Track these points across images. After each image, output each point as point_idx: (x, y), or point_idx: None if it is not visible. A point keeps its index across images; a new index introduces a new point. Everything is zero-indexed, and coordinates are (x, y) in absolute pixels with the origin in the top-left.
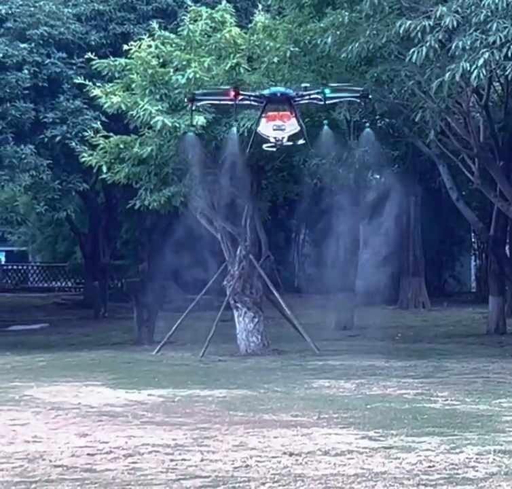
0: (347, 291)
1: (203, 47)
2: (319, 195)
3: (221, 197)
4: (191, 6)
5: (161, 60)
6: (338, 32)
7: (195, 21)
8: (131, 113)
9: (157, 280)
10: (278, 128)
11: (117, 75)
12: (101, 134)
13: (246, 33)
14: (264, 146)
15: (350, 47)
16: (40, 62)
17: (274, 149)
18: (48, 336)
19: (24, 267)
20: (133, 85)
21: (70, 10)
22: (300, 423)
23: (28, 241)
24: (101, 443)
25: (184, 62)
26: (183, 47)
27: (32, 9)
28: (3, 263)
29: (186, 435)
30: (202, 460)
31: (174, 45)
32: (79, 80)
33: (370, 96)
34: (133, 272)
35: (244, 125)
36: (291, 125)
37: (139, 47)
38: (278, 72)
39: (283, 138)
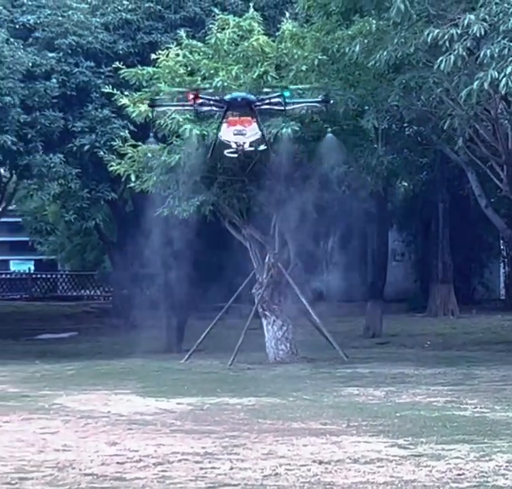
0: (375, 298)
1: (231, 56)
2: (347, 202)
3: (250, 205)
4: (218, 14)
5: (189, 69)
6: (366, 40)
7: (223, 29)
8: (159, 121)
9: (186, 288)
10: (238, 133)
11: (144, 83)
12: (129, 143)
13: (273, 41)
14: (226, 152)
15: (378, 55)
16: (68, 71)
17: (236, 155)
18: (77, 344)
19: (53, 276)
20: (161, 94)
21: (98, 19)
22: (329, 431)
23: (57, 250)
24: (131, 452)
25: (212, 71)
26: (210, 56)
27: (60, 18)
28: (32, 272)
29: (215, 443)
30: (231, 469)
31: (201, 53)
32: (107, 89)
33: (331, 101)
34: (162, 280)
35: (270, 132)
36: (252, 131)
37: (167, 56)
38: (305, 80)
39: (244, 143)
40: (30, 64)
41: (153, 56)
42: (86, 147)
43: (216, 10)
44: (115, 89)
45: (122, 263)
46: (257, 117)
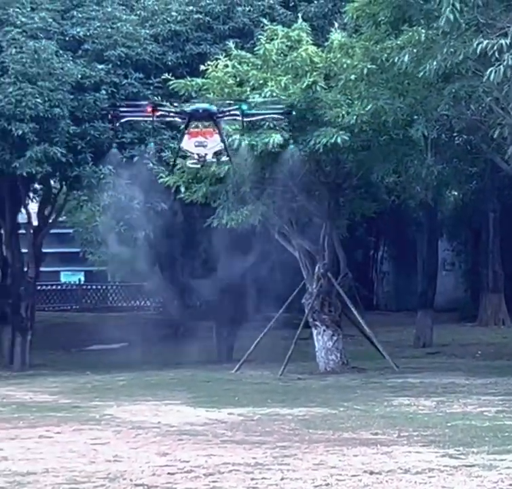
0: (426, 308)
1: (279, 66)
2: (397, 212)
3: (299, 215)
4: (267, 25)
5: (237, 79)
6: (415, 50)
7: (272, 40)
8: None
9: (236, 298)
10: (200, 145)
11: (194, 94)
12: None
13: (322, 51)
14: (188, 163)
15: (427, 64)
16: (117, 82)
17: (198, 166)
18: (128, 355)
19: (104, 287)
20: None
21: (147, 31)
22: (380, 441)
23: (107, 261)
24: (181, 462)
25: (260, 81)
26: (259, 66)
27: (109, 30)
28: (82, 283)
29: (266, 454)
30: (282, 479)
31: (250, 64)
32: (156, 100)
33: (293, 113)
34: (212, 291)
35: (319, 142)
36: (214, 142)
37: (216, 66)
38: (354, 89)
39: (206, 154)
40: (80, 76)
41: (202, 67)
42: (136, 158)
43: (264, 21)
44: (164, 101)
45: (172, 274)
46: (219, 128)
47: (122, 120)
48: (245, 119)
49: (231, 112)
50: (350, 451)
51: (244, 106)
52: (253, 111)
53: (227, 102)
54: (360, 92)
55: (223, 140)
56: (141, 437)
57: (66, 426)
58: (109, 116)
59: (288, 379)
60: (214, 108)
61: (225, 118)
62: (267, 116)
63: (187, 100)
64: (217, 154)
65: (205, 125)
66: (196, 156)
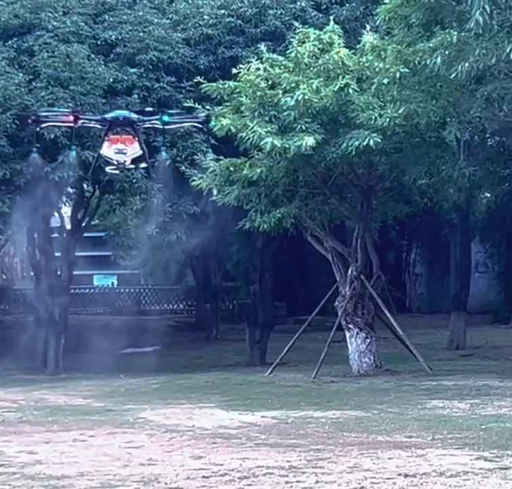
0: (459, 310)
1: (311, 69)
2: (430, 214)
3: (332, 218)
4: (299, 28)
5: (269, 82)
6: (447, 52)
7: (303, 43)
8: (240, 135)
9: (269, 302)
10: (119, 152)
11: (226, 97)
12: (211, 157)
13: (354, 54)
14: (107, 169)
15: (460, 66)
16: (149, 86)
17: (117, 172)
18: (161, 358)
19: (136, 290)
20: (242, 108)
21: (179, 34)
22: (414, 444)
23: (140, 264)
24: (216, 466)
25: (293, 84)
26: (291, 69)
27: (141, 34)
28: (115, 286)
29: (300, 457)
30: (316, 482)
31: (282, 67)
32: (188, 103)
33: (210, 123)
34: (244, 294)
35: (351, 144)
36: (133, 149)
37: (248, 69)
38: (387, 92)
39: (125, 161)
40: (112, 80)
41: (234, 70)
42: (168, 162)
43: (296, 23)
44: (196, 104)
45: (205, 277)
46: (139, 135)
47: (43, 125)
48: (165, 127)
49: (152, 121)
50: (384, 454)
51: (165, 118)
52: (172, 120)
53: (147, 109)
54: (392, 94)
55: (142, 148)
56: (175, 440)
57: (100, 430)
58: (29, 120)
59: (322, 382)
60: (134, 116)
61: (145, 126)
62: (184, 125)
63: (219, 103)
64: (136, 160)
65: (125, 132)
66: (116, 162)
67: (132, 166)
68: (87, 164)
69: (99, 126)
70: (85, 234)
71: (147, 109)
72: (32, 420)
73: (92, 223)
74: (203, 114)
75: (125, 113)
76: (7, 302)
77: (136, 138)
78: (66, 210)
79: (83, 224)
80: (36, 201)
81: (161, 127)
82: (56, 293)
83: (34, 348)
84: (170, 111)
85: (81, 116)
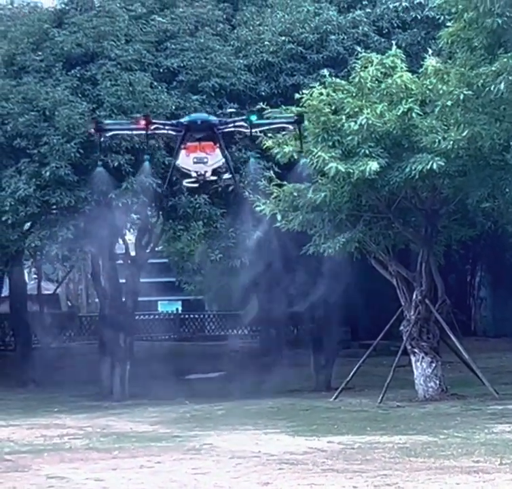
0: None
1: (374, 93)
2: (494, 237)
3: (396, 242)
4: (361, 53)
5: (333, 107)
6: (510, 77)
7: (366, 67)
8: (304, 160)
9: (333, 326)
10: (199, 161)
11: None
12: (274, 183)
13: (417, 78)
14: (184, 182)
15: None
16: (211, 113)
17: (196, 185)
18: (226, 384)
19: (201, 316)
20: (306, 133)
21: (241, 61)
22: (482, 469)
23: (204, 290)
24: None
25: (356, 109)
26: (354, 94)
27: (203, 61)
28: (180, 312)
29: (367, 482)
30: None
31: (345, 91)
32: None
33: (305, 122)
34: (309, 319)
35: (415, 168)
36: (215, 158)
37: (311, 95)
38: (450, 115)
39: (206, 172)
40: (174, 107)
41: (297, 96)
42: (231, 188)
43: (358, 48)
44: (258, 131)
45: (269, 302)
46: (221, 141)
47: (108, 134)
48: (253, 130)
49: (236, 123)
50: (451, 480)
51: (253, 117)
52: (261, 121)
53: (229, 110)
54: (456, 117)
55: (225, 156)
56: (242, 466)
57: (166, 456)
58: (92, 130)
59: (388, 407)
60: (214, 119)
61: (228, 130)
62: (275, 126)
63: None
64: (218, 172)
65: (204, 139)
66: (195, 174)
67: (214, 178)
68: (151, 190)
69: (173, 133)
70: (150, 260)
71: (229, 110)
72: (98, 446)
73: (156, 249)
74: (293, 113)
75: (203, 115)
76: (73, 329)
77: (218, 145)
78: (131, 237)
79: (148, 250)
80: (100, 228)
81: (247, 130)
82: (121, 319)
83: (100, 374)
84: (259, 110)
85: (153, 120)
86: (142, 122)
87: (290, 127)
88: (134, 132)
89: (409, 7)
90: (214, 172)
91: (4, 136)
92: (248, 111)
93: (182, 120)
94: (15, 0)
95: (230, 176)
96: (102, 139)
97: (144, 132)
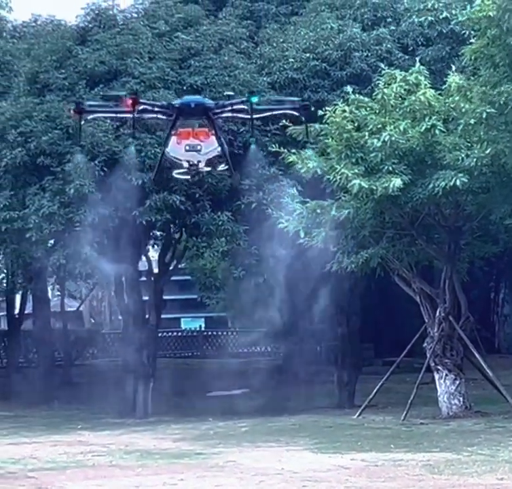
0: None
1: (398, 110)
2: None
3: (419, 258)
4: (385, 70)
5: (356, 124)
6: None
7: (389, 84)
8: (327, 177)
9: (356, 343)
10: (191, 149)
11: (312, 140)
12: (297, 200)
13: (440, 95)
14: (174, 173)
15: None
16: (235, 130)
17: (188, 177)
18: (249, 401)
19: (224, 332)
20: (329, 150)
21: (264, 78)
22: (506, 486)
23: (227, 306)
24: None
25: (379, 126)
26: (377, 111)
27: (227, 78)
28: (203, 329)
29: None
30: None
31: (368, 108)
32: (274, 148)
33: (312, 108)
34: (332, 336)
35: (438, 185)
36: (210, 146)
37: (334, 111)
38: (473, 133)
39: (199, 162)
40: (197, 125)
41: (320, 113)
42: (254, 205)
43: (382, 65)
44: (281, 147)
45: (292, 319)
46: (216, 128)
47: (90, 117)
48: (254, 116)
49: (235, 106)
50: None
51: (254, 98)
52: (263, 107)
53: (226, 93)
54: (479, 135)
55: (221, 144)
56: (265, 483)
57: (189, 473)
58: (71, 112)
59: (411, 424)
60: (210, 102)
61: (225, 115)
62: (279, 112)
63: (304, 146)
64: (213, 162)
65: (198, 124)
66: (186, 163)
67: (208, 169)
68: (175, 207)
69: (163, 117)
70: (173, 277)
71: (226, 94)
72: (122, 463)
73: (179, 266)
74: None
75: (198, 98)
76: (96, 346)
77: (213, 131)
78: (154, 254)
79: (171, 267)
80: (123, 245)
81: (247, 116)
82: (144, 336)
83: (123, 391)
84: (262, 94)
85: (141, 100)
86: (129, 102)
87: (296, 113)
88: (120, 115)
89: (435, 22)
90: (209, 162)
91: (28, 154)
92: (249, 92)
93: (173, 103)
94: (39, 17)
95: (226, 167)
96: (82, 122)
97: (130, 115)
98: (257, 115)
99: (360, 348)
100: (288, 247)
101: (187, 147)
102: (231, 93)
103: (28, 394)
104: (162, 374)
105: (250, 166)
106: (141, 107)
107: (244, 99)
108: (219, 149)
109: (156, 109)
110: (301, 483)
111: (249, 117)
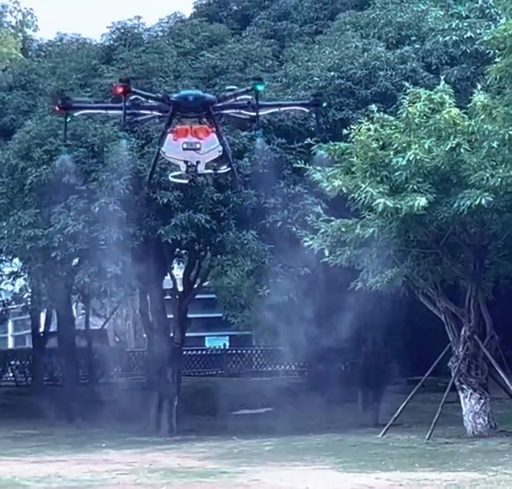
0: None
1: (422, 129)
2: None
3: (444, 277)
4: (409, 88)
5: (381, 143)
6: None
7: (414, 103)
8: (352, 195)
9: (381, 362)
10: (190, 147)
11: (336, 158)
12: (322, 218)
13: (465, 113)
14: (170, 176)
15: None
16: (260, 148)
17: (186, 181)
18: (273, 420)
19: (248, 351)
20: (353, 168)
21: (289, 97)
22: None
23: (252, 325)
24: None
25: (404, 144)
26: (402, 129)
27: (251, 97)
28: (227, 347)
29: None
30: None
31: (393, 127)
32: (298, 164)
33: (324, 104)
34: (356, 354)
35: (463, 204)
36: (210, 145)
37: (359, 130)
38: (498, 154)
39: (198, 163)
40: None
41: (345, 131)
42: (279, 223)
43: (407, 84)
44: (306, 165)
45: (317, 338)
46: (218, 125)
47: (77, 113)
48: (260, 112)
49: (238, 98)
50: None
51: (260, 87)
52: (271, 103)
53: (229, 87)
54: (503, 156)
55: (223, 143)
56: None
57: None
58: (56, 107)
59: (436, 443)
60: (210, 96)
61: (228, 110)
62: (287, 108)
63: (330, 165)
64: (214, 163)
65: (198, 120)
66: (183, 165)
67: (208, 171)
68: (200, 226)
69: (159, 113)
70: (197, 296)
71: (229, 88)
72: (146, 482)
73: (204, 284)
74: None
75: (196, 91)
76: (120, 364)
77: (214, 128)
78: (178, 272)
79: (195, 286)
80: (148, 263)
81: (253, 112)
82: (169, 354)
83: (148, 410)
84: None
85: (134, 89)
86: (120, 90)
87: (306, 110)
88: (109, 111)
89: (459, 41)
90: (209, 163)
91: (53, 172)
92: (253, 78)
93: (171, 96)
94: (65, 36)
95: (229, 168)
96: (68, 119)
97: (120, 111)
98: (263, 112)
99: (384, 366)
100: (313, 266)
101: (185, 146)
102: (235, 87)
103: (52, 413)
104: (186, 392)
105: (271, 180)
106: (133, 97)
107: (249, 88)
108: (221, 148)
109: (150, 101)
110: None
111: (254, 113)
